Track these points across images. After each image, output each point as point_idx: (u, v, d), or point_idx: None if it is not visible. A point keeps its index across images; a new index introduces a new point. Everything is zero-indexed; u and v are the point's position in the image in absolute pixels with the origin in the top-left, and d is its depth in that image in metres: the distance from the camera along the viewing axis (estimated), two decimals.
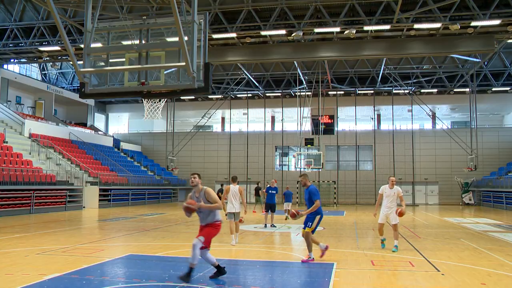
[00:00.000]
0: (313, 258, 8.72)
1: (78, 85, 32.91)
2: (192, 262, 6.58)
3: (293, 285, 6.92)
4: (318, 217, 8.80)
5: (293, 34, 21.79)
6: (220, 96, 39.63)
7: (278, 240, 12.68)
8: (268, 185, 17.02)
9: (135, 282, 6.75)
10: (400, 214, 10.11)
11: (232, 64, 32.81)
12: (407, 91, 37.02)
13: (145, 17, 6.94)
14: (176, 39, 6.14)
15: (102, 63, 6.91)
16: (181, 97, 39.52)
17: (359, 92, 37.87)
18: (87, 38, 6.63)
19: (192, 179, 6.94)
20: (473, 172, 33.37)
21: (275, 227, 15.95)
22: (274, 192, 16.80)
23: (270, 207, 16.32)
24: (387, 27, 21.53)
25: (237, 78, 36.63)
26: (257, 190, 25.73)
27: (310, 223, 8.75)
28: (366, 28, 21.43)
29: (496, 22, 20.46)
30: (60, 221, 17.51)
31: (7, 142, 25.61)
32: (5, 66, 31.52)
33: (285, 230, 15.29)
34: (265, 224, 16.09)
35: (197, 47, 6.28)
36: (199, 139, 41.35)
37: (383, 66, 31.32)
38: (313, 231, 8.79)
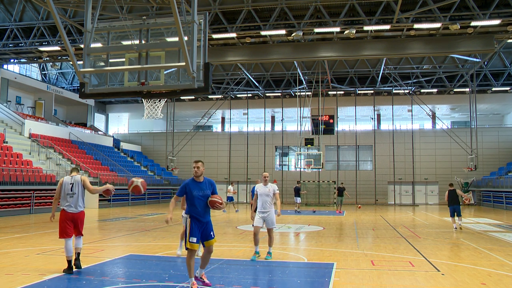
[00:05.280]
0: None
1: (78, 85, 33.03)
2: None
3: (293, 285, 6.91)
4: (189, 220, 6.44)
5: (293, 34, 21.79)
6: (220, 96, 39.63)
7: (278, 240, 12.67)
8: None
9: (135, 282, 6.75)
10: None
11: (232, 64, 32.81)
12: (407, 91, 37.02)
13: (145, 17, 6.94)
14: (176, 39, 6.14)
15: (102, 63, 6.91)
16: (181, 97, 39.53)
17: (359, 92, 37.87)
18: (87, 38, 6.63)
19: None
20: (473, 172, 33.38)
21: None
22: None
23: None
24: (387, 27, 21.53)
25: (237, 78, 36.63)
26: (297, 190, 25.49)
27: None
28: (366, 28, 21.43)
29: (496, 22, 20.46)
30: None
31: (7, 142, 25.61)
32: (5, 66, 31.52)
33: (285, 230, 15.29)
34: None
35: (197, 47, 6.28)
36: (199, 139, 41.36)
37: (383, 66, 31.31)
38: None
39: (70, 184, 7.56)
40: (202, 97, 40.54)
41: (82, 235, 7.72)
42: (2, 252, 9.59)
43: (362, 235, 13.81)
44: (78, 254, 7.63)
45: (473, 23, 20.66)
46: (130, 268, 8.16)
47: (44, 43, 25.83)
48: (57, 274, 7.22)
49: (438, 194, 37.16)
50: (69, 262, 7.36)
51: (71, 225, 7.48)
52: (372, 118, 39.48)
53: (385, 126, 40.37)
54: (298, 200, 25.33)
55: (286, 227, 16.11)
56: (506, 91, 36.35)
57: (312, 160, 33.08)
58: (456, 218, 15.50)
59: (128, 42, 6.77)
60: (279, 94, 38.76)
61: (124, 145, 41.47)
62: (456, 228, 15.45)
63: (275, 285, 6.81)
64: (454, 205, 15.38)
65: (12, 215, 19.94)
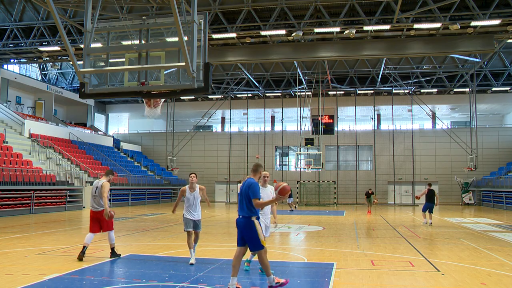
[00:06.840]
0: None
1: (78, 85, 33.06)
2: None
3: (293, 285, 6.91)
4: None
5: (293, 34, 21.79)
6: (220, 96, 39.64)
7: (278, 240, 12.68)
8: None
9: (135, 282, 6.75)
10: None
11: (232, 64, 32.81)
12: (407, 91, 37.02)
13: (145, 17, 6.93)
14: (176, 39, 6.14)
15: (102, 63, 6.90)
16: (181, 97, 39.53)
17: (359, 92, 37.87)
18: (87, 38, 6.63)
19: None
20: (473, 172, 33.39)
21: None
22: None
23: None
24: (387, 27, 21.53)
25: (237, 78, 36.63)
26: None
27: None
28: (366, 28, 21.42)
29: (496, 22, 20.46)
30: (60, 221, 17.50)
31: (7, 142, 25.61)
32: (5, 66, 31.52)
33: (285, 230, 15.29)
34: None
35: (197, 47, 6.27)
36: (199, 139, 41.36)
37: (383, 66, 31.31)
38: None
39: (96, 187, 9.16)
40: (202, 97, 40.54)
41: (112, 229, 9.14)
42: (2, 252, 9.59)
43: (362, 235, 13.81)
44: (112, 248, 9.07)
45: (473, 23, 20.65)
46: (130, 268, 8.16)
47: (44, 43, 25.83)
48: (57, 274, 7.22)
49: (438, 194, 37.10)
50: (83, 247, 8.69)
51: (96, 221, 9.00)
52: (372, 118, 39.47)
53: (385, 126, 40.37)
54: (290, 200, 27.25)
55: (286, 227, 16.11)
56: (506, 91, 36.34)
57: (312, 160, 33.10)
58: (427, 214, 17.83)
59: (128, 42, 6.76)
60: (279, 94, 38.76)
61: (124, 145, 41.48)
62: (426, 223, 17.74)
63: None
64: (430, 202, 17.84)
65: (12, 215, 19.93)
